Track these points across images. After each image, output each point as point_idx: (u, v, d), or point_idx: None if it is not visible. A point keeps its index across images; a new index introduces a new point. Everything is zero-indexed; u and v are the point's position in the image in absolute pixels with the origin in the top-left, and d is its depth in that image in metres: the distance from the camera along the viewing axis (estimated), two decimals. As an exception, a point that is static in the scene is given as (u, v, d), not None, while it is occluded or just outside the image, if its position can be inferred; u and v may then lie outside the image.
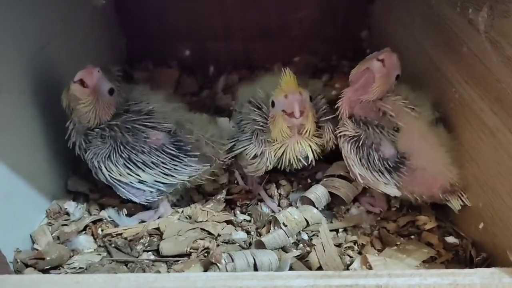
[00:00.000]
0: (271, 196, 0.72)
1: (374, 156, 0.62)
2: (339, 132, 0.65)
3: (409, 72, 0.75)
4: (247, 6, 1.04)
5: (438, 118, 0.65)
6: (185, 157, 0.64)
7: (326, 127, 0.67)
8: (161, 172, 0.64)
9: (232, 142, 0.69)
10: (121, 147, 0.63)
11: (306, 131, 0.64)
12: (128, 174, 0.63)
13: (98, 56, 0.92)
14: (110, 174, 0.64)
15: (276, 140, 0.65)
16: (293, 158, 0.66)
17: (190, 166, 0.65)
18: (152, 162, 0.63)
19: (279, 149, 0.65)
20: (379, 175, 0.61)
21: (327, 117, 0.68)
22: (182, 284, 0.47)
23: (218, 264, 0.55)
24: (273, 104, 0.64)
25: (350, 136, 0.64)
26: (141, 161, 0.63)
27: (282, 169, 0.69)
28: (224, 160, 0.68)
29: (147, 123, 0.64)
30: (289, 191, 0.73)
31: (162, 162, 0.63)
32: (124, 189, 0.65)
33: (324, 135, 0.66)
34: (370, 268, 0.55)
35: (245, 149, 0.67)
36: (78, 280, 0.48)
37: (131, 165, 0.63)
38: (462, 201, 0.60)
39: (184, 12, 1.04)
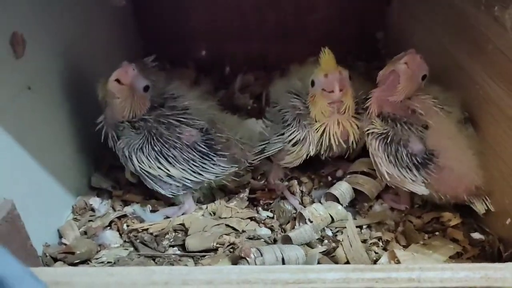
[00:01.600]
0: (293, 194, 0.72)
1: (402, 152, 0.62)
2: (367, 130, 0.66)
3: (431, 71, 0.75)
4: (263, 7, 1.05)
5: (467, 119, 0.65)
6: (214, 156, 0.65)
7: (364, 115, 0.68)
8: (189, 169, 0.64)
9: (263, 145, 0.69)
10: (155, 139, 0.64)
11: (346, 109, 0.65)
12: (158, 167, 0.64)
13: (117, 56, 0.92)
14: (140, 166, 0.64)
15: (317, 121, 0.66)
16: (334, 138, 0.66)
17: (218, 165, 0.65)
18: (183, 158, 0.64)
19: (319, 129, 0.66)
20: (407, 172, 0.62)
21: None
22: (216, 276, 0.47)
23: (247, 259, 0.55)
24: (312, 83, 0.65)
25: (378, 134, 0.64)
26: (172, 156, 0.64)
27: (322, 155, 0.70)
28: (252, 162, 0.68)
29: (182, 119, 0.65)
30: (310, 188, 0.73)
31: (192, 159, 0.64)
32: (152, 180, 0.66)
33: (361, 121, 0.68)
34: (399, 262, 0.55)
35: (289, 136, 0.67)
36: (112, 272, 0.48)
37: (162, 159, 0.64)
38: (486, 205, 0.61)
39: (201, 13, 1.05)
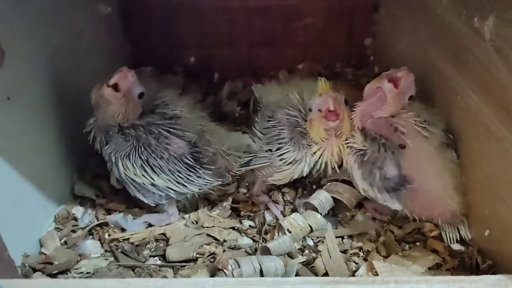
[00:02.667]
0: (277, 203, 0.72)
1: (376, 174, 0.62)
2: (347, 142, 0.66)
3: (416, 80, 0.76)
4: (252, 14, 1.05)
5: (450, 142, 0.65)
6: (200, 169, 0.65)
7: None
8: (174, 180, 0.64)
9: (249, 157, 0.69)
10: (142, 148, 0.64)
11: (343, 133, 0.65)
12: (143, 175, 0.64)
13: (104, 63, 0.92)
14: (125, 172, 0.64)
15: (315, 143, 0.66)
16: (330, 162, 0.66)
17: (203, 178, 0.65)
18: (169, 169, 0.64)
19: (317, 152, 0.66)
20: (379, 193, 0.62)
21: None
22: (189, 289, 0.48)
23: (225, 270, 0.55)
24: (310, 109, 0.66)
25: (356, 149, 0.64)
26: (158, 166, 0.63)
27: (312, 175, 0.70)
28: (236, 173, 0.68)
29: (171, 129, 0.65)
30: (294, 197, 0.73)
31: (178, 171, 0.64)
32: (136, 188, 0.65)
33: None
34: (376, 274, 0.56)
35: (282, 154, 0.67)
36: (87, 284, 0.48)
37: (147, 168, 0.64)
38: (459, 234, 0.61)
39: (189, 19, 1.05)
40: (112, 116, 0.64)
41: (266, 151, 0.69)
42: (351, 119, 0.66)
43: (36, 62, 0.66)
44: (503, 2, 0.52)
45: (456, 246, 0.61)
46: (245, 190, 0.74)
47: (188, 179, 0.65)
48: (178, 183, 0.64)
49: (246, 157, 0.69)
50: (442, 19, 0.69)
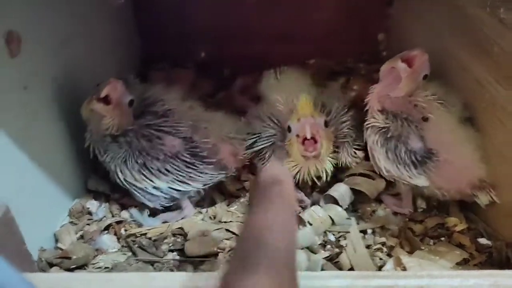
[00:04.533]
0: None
1: (401, 149, 0.62)
2: (367, 124, 0.65)
3: (432, 73, 0.74)
4: (264, 8, 1.03)
5: (467, 117, 0.64)
6: (200, 164, 0.63)
7: (343, 148, 0.67)
8: (175, 179, 0.63)
9: (254, 138, 0.67)
10: (137, 153, 0.63)
11: (322, 156, 0.64)
12: (143, 180, 0.63)
13: (115, 55, 0.91)
14: (125, 178, 0.63)
15: (291, 161, 0.65)
16: (308, 177, 0.66)
17: (205, 173, 0.64)
18: (166, 169, 0.62)
19: (294, 168, 0.65)
20: (405, 169, 0.61)
21: (345, 139, 0.68)
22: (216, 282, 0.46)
23: (249, 264, 0.53)
24: (289, 129, 0.65)
25: (379, 128, 0.63)
26: (156, 168, 0.62)
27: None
28: (244, 156, 0.67)
29: (163, 128, 0.63)
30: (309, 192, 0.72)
31: (177, 170, 0.62)
32: (139, 193, 0.64)
33: (340, 155, 0.67)
34: (405, 269, 0.54)
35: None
36: (111, 278, 0.46)
37: (145, 172, 0.62)
38: (491, 197, 0.59)
39: (201, 13, 1.03)
40: (106, 129, 0.63)
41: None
42: (331, 140, 0.66)
43: (49, 52, 0.64)
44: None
45: (483, 241, 0.60)
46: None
47: (189, 176, 0.63)
48: (180, 182, 0.63)
49: (250, 138, 0.68)
50: (464, 11, 0.68)
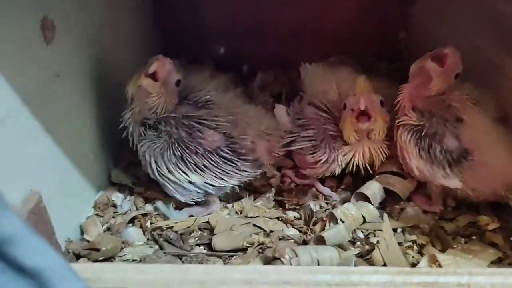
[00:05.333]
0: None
1: (436, 148, 0.61)
2: (399, 122, 0.64)
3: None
4: (282, 5, 1.03)
5: (501, 118, 0.63)
6: (238, 161, 0.63)
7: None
8: (212, 175, 0.62)
9: (292, 137, 0.67)
10: (176, 144, 0.61)
11: (376, 134, 0.63)
12: (178, 173, 0.62)
13: (136, 49, 0.91)
14: (159, 170, 0.62)
15: (347, 143, 0.65)
16: (362, 163, 0.65)
17: (243, 170, 0.63)
18: (204, 165, 0.61)
19: (348, 153, 0.65)
20: (439, 168, 0.60)
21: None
22: (253, 276, 0.45)
23: (282, 259, 0.53)
24: (344, 106, 0.64)
25: (412, 126, 0.63)
26: (193, 162, 0.61)
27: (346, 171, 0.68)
28: (279, 153, 0.66)
29: (204, 121, 0.62)
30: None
31: (215, 165, 0.61)
32: (172, 186, 0.63)
33: None
34: (440, 266, 0.53)
35: (312, 153, 0.66)
36: (144, 269, 0.46)
37: (182, 165, 0.61)
38: None
39: (219, 10, 1.03)
40: (151, 108, 0.62)
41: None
42: (386, 121, 0.64)
43: (81, 42, 0.64)
44: None
45: (517, 240, 0.59)
46: (288, 180, 0.72)
47: (226, 172, 0.62)
48: (216, 177, 0.62)
49: (288, 137, 0.68)
50: (494, 8, 0.68)
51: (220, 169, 0.62)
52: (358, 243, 0.61)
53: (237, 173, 0.63)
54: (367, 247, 0.59)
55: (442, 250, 0.59)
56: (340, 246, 0.60)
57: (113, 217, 0.65)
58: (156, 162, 0.62)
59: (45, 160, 0.54)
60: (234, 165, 0.63)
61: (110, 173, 0.72)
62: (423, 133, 0.62)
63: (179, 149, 0.61)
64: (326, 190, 0.69)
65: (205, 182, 0.62)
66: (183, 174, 0.62)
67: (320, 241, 0.58)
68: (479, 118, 0.61)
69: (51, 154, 0.56)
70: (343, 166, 0.66)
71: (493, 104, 0.64)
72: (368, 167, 0.66)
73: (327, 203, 0.68)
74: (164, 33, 1.05)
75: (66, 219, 0.60)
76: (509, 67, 0.64)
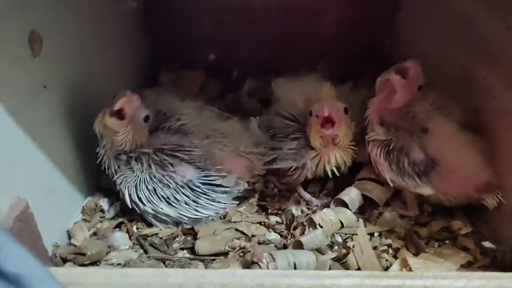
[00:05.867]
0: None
1: (404, 161, 0.63)
2: (369, 137, 0.66)
3: (438, 79, 0.76)
4: (272, 12, 1.05)
5: (468, 121, 0.66)
6: (213, 193, 0.63)
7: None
8: (186, 208, 0.63)
9: (273, 155, 0.69)
10: (148, 178, 0.62)
11: (340, 141, 0.66)
12: (152, 206, 0.63)
13: (126, 57, 0.93)
14: (135, 202, 0.63)
15: (312, 148, 0.67)
16: (328, 167, 0.67)
17: (218, 202, 0.64)
18: (176, 198, 0.62)
19: (315, 158, 0.67)
20: (409, 179, 0.62)
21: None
22: (229, 280, 0.47)
23: (260, 263, 0.55)
24: (310, 113, 0.66)
25: (380, 141, 0.65)
26: (166, 196, 0.62)
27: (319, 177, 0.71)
28: (260, 171, 0.69)
29: (177, 154, 0.63)
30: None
31: (188, 199, 0.62)
32: (149, 216, 0.64)
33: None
34: (411, 270, 0.55)
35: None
36: (126, 273, 0.48)
37: (155, 199, 0.62)
38: (498, 199, 0.61)
39: (210, 16, 1.05)
40: (120, 144, 0.62)
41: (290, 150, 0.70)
42: (350, 128, 0.67)
43: (69, 54, 0.66)
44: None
45: (487, 244, 0.61)
46: (272, 185, 0.74)
47: (200, 205, 0.63)
48: (190, 209, 0.63)
49: (270, 155, 0.69)
50: (473, 19, 0.70)
51: (194, 202, 0.63)
52: (336, 247, 0.63)
53: (212, 205, 0.64)
54: (343, 251, 0.62)
55: (416, 254, 0.61)
56: (318, 250, 0.62)
57: (100, 221, 0.67)
58: (130, 195, 0.62)
59: (32, 168, 0.56)
60: (209, 197, 0.63)
61: (98, 179, 0.74)
62: (391, 147, 0.64)
63: (151, 183, 0.62)
64: (307, 196, 0.71)
65: (180, 214, 0.63)
66: (157, 207, 0.62)
67: (298, 245, 0.61)
68: (444, 126, 0.64)
69: (38, 162, 0.58)
70: (313, 170, 0.68)
71: (459, 110, 0.66)
72: (336, 171, 0.68)
73: (308, 208, 0.71)
74: (155, 39, 1.07)
75: (53, 225, 0.62)
76: (483, 76, 0.66)
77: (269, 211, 0.70)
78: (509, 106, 0.59)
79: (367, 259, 0.58)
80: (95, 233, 0.64)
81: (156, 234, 0.65)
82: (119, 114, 0.60)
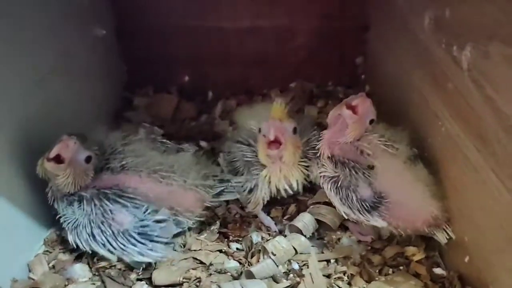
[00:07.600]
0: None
1: (353, 197, 0.64)
2: (320, 173, 0.67)
3: (398, 101, 0.77)
4: (244, 34, 1.06)
5: (416, 155, 0.67)
6: (150, 242, 0.63)
7: (314, 163, 0.70)
8: (124, 254, 0.63)
9: (221, 187, 0.71)
10: (87, 222, 0.63)
11: (285, 160, 0.67)
12: (91, 247, 0.63)
13: (99, 84, 0.94)
14: (76, 241, 0.64)
15: (264, 167, 0.68)
16: (278, 185, 0.68)
17: (155, 251, 0.64)
18: (112, 245, 0.62)
19: (265, 176, 0.68)
20: (360, 214, 0.63)
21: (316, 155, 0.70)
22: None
23: (209, 296, 0.56)
24: (259, 130, 0.68)
25: (329, 177, 0.66)
26: (102, 242, 0.62)
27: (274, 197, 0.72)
28: (211, 204, 0.70)
29: (118, 199, 0.63)
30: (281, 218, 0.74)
31: (125, 246, 0.62)
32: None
33: (312, 170, 0.70)
34: (359, 300, 0.56)
35: (242, 185, 0.70)
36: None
37: (92, 242, 0.63)
38: (447, 233, 0.61)
39: (183, 39, 1.06)
40: (63, 185, 0.63)
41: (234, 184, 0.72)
42: (298, 147, 0.68)
43: (27, 89, 0.67)
44: (479, 34, 0.53)
45: (439, 270, 0.62)
46: (234, 211, 0.75)
47: (138, 252, 0.63)
48: (128, 256, 0.63)
49: (218, 187, 0.71)
50: (425, 45, 0.70)
51: (130, 249, 0.63)
52: (291, 275, 0.64)
53: (150, 253, 0.63)
54: (297, 279, 0.62)
55: (369, 281, 0.62)
56: (274, 278, 0.63)
57: (62, 252, 0.68)
58: (71, 235, 0.63)
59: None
60: (146, 246, 0.63)
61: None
62: (339, 184, 0.65)
63: (89, 227, 0.63)
64: (266, 221, 0.72)
65: (119, 258, 0.64)
66: (96, 249, 0.63)
67: (251, 275, 0.62)
68: (390, 161, 0.64)
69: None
70: (267, 189, 0.69)
71: (406, 142, 0.67)
72: (289, 189, 0.69)
73: (269, 234, 0.71)
74: (129, 64, 1.08)
75: (13, 259, 0.63)
76: (433, 103, 0.66)
77: (230, 238, 0.71)
78: (452, 133, 0.60)
79: (318, 288, 0.59)
80: (54, 266, 0.65)
81: (114, 265, 0.66)
82: (58, 159, 0.60)
